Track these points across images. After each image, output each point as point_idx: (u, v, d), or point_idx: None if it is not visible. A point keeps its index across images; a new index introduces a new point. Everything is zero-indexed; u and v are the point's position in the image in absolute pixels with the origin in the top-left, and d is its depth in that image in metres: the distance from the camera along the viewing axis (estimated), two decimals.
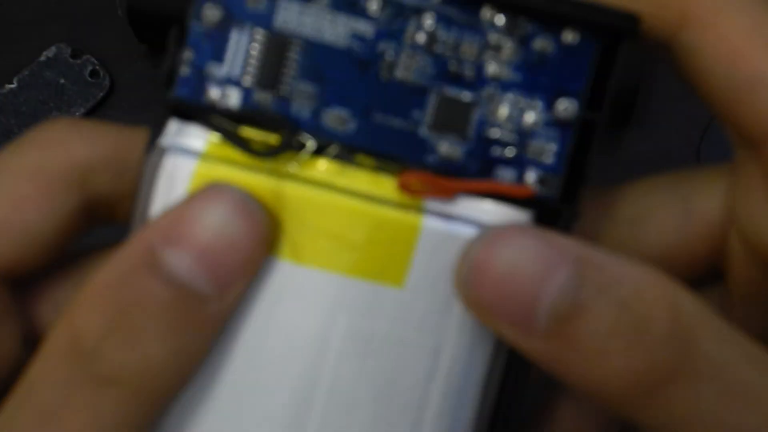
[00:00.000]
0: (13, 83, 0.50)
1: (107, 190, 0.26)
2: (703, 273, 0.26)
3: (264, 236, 0.23)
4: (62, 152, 0.25)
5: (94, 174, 0.25)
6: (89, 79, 0.51)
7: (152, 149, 0.24)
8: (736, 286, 0.26)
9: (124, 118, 0.49)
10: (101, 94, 0.51)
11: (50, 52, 0.51)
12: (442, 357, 0.24)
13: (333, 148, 0.24)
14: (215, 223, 0.22)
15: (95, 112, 0.50)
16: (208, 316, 0.23)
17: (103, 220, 0.26)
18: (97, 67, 0.51)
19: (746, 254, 0.25)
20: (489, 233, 0.23)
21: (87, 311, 0.22)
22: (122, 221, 0.26)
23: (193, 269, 0.22)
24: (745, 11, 0.24)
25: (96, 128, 0.26)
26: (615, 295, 0.21)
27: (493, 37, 0.24)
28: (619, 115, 0.47)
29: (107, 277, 0.22)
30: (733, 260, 0.26)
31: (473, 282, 0.22)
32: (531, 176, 0.25)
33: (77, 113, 0.50)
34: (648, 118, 0.47)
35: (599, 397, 0.22)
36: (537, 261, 0.22)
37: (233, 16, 0.24)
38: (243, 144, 0.24)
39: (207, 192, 0.23)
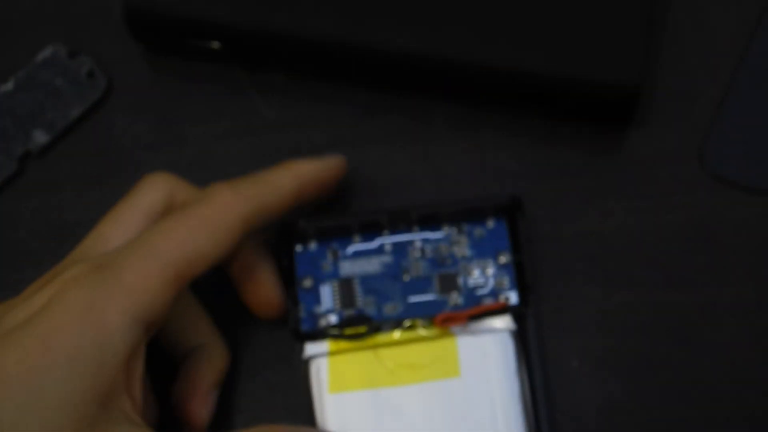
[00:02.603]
0: (8, 84, 0.47)
1: (259, 226, 0.37)
2: None
3: None
4: (234, 211, 0.36)
5: (251, 217, 0.37)
6: (86, 79, 0.47)
7: (301, 361, 0.40)
8: None
9: (122, 120, 0.46)
10: (98, 95, 0.47)
11: (46, 52, 0.47)
12: (495, 401, 0.39)
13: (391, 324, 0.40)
14: None
15: (92, 113, 0.46)
16: None
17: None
18: (94, 68, 0.47)
19: None
20: None
21: None
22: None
23: None
24: None
25: (253, 189, 0.37)
26: None
27: (454, 238, 0.42)
28: (618, 115, 0.43)
29: None
30: None
31: None
32: (502, 298, 0.40)
33: (74, 114, 0.47)
34: (649, 118, 0.44)
35: None
36: None
37: (318, 278, 0.41)
38: (346, 338, 0.40)
39: None
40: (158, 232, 0.35)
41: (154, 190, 0.38)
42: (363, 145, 0.45)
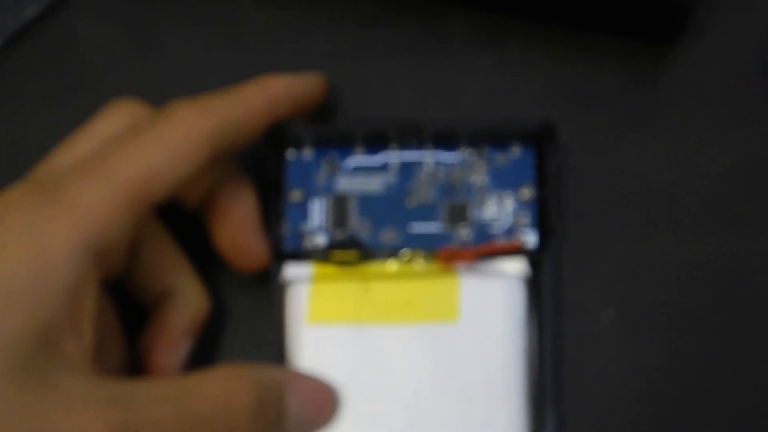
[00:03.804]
0: None
1: (226, 146, 0.35)
2: None
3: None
4: (196, 127, 0.34)
5: (219, 134, 0.34)
6: None
7: (279, 284, 0.36)
8: None
9: (85, 23, 0.42)
10: None
11: None
12: (493, 356, 0.35)
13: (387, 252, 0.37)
14: None
15: (51, 14, 0.41)
16: None
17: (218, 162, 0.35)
18: None
19: None
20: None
21: None
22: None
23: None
24: None
25: (217, 104, 0.35)
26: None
27: (471, 163, 0.38)
28: (666, 28, 0.40)
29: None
30: None
31: None
32: (518, 237, 0.37)
33: (28, 14, 0.41)
34: (702, 31, 0.41)
35: None
36: None
37: (310, 191, 0.38)
38: (334, 263, 0.37)
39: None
40: (109, 151, 0.33)
41: (117, 117, 0.35)
42: (367, 59, 0.41)
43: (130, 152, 0.33)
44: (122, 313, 0.36)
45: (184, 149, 0.34)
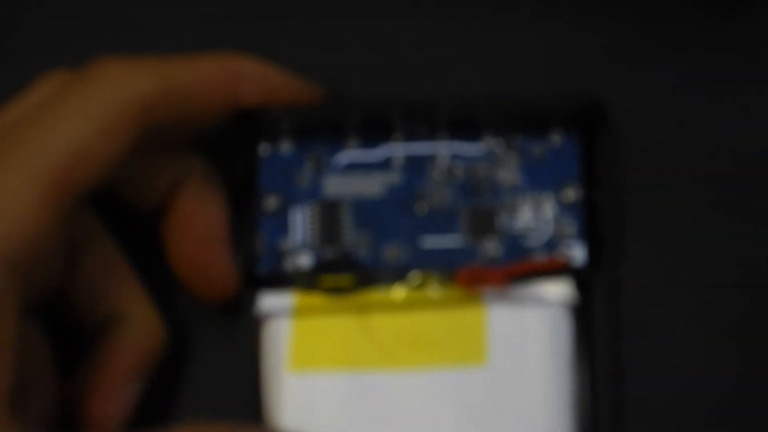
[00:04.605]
0: None
1: (166, 121, 0.32)
2: None
3: None
4: (130, 89, 0.31)
5: (155, 105, 0.31)
6: None
7: (252, 319, 0.32)
8: None
9: None
10: None
11: None
12: (535, 406, 0.31)
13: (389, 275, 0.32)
14: None
15: None
16: None
17: (163, 139, 0.32)
18: None
19: None
20: None
21: None
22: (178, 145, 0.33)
23: None
24: None
25: (160, 65, 0.32)
26: None
27: (498, 156, 0.33)
28: None
29: None
30: None
31: None
32: (561, 252, 0.32)
33: None
34: None
35: None
36: None
37: (290, 197, 0.33)
38: (323, 291, 0.32)
39: None
40: (19, 131, 0.31)
41: (46, 91, 0.33)
42: (373, 14, 0.38)
43: (44, 128, 0.30)
44: (55, 345, 0.33)
45: (112, 119, 0.31)
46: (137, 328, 0.34)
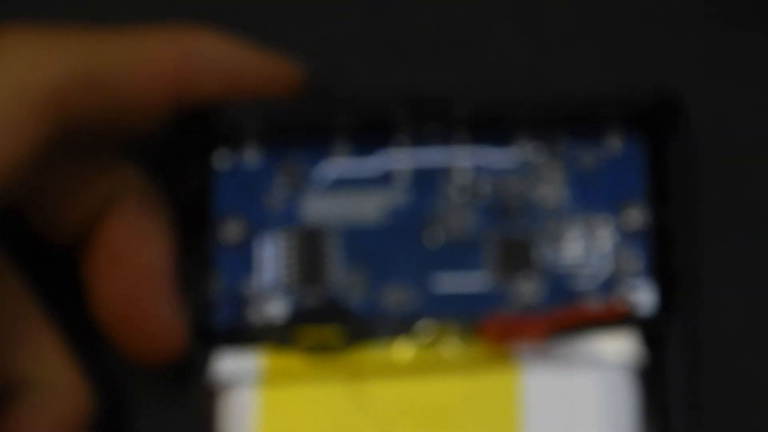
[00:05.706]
0: None
1: (88, 117, 0.28)
2: None
3: None
4: (36, 72, 0.27)
5: (71, 94, 0.27)
6: None
7: (207, 389, 0.27)
8: None
9: None
10: None
11: None
12: None
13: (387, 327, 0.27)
14: None
15: None
16: None
17: (84, 143, 0.29)
18: None
19: None
20: None
21: None
22: (105, 143, 0.29)
23: None
24: None
25: (67, 38, 0.28)
26: None
27: (536, 166, 0.28)
28: None
29: None
30: None
31: None
32: (621, 296, 0.27)
33: None
34: None
35: None
36: None
37: (256, 223, 0.28)
38: (302, 349, 0.27)
39: None
40: None
41: None
42: None
43: None
44: None
45: (12, 110, 0.27)
46: (54, 398, 0.30)
